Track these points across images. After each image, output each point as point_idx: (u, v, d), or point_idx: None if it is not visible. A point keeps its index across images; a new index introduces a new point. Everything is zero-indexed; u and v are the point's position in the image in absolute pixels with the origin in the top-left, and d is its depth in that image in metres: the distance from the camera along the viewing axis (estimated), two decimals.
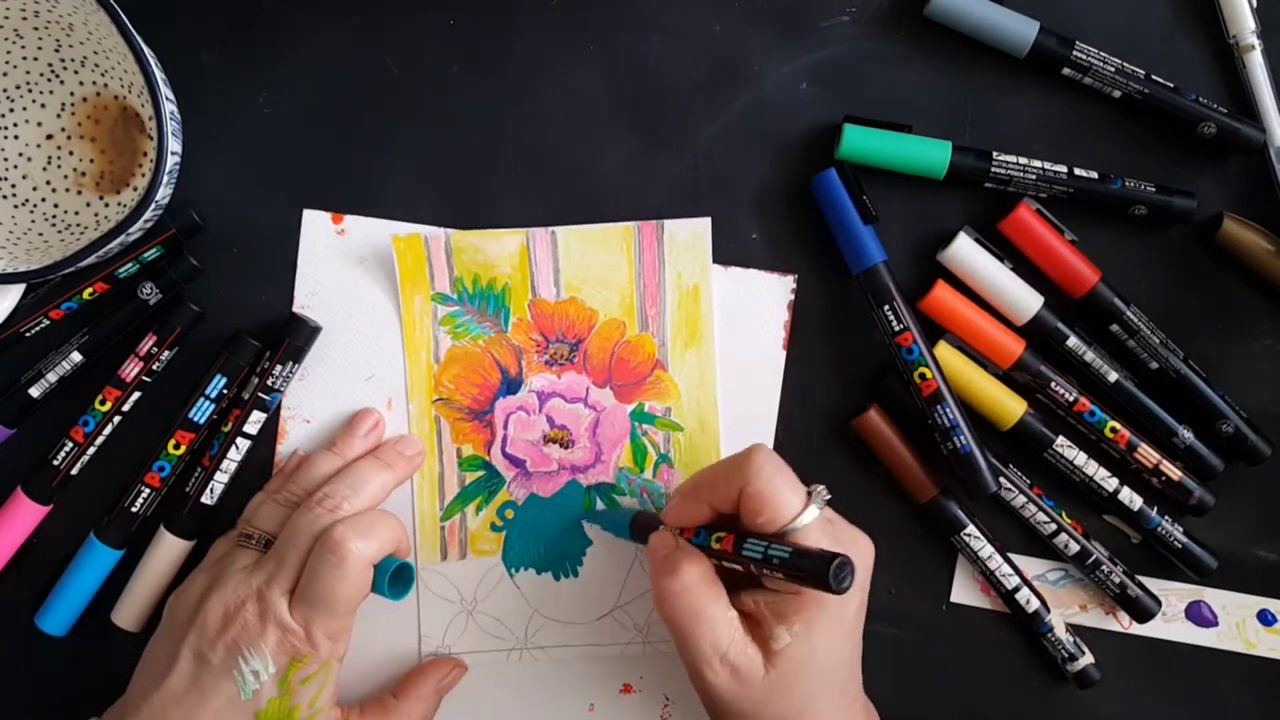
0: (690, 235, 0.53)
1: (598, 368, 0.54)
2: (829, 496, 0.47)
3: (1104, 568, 0.54)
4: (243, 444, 0.52)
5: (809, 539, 0.45)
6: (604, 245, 0.53)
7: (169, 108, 0.47)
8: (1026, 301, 0.53)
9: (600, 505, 0.54)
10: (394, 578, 0.48)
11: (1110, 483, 0.54)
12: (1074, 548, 0.54)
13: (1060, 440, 0.54)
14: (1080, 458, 0.54)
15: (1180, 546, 0.54)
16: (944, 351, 0.53)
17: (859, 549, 0.47)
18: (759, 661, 0.45)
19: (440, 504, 0.54)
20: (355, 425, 0.53)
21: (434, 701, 0.53)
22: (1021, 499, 0.54)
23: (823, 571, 0.41)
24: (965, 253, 0.53)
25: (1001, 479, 0.53)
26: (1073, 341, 0.53)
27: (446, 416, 0.54)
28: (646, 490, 0.54)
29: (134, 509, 0.52)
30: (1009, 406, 0.53)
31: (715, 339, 0.54)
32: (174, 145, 0.47)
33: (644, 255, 0.53)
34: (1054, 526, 0.54)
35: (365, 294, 0.53)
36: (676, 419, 0.54)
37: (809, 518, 0.45)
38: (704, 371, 0.54)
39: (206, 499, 0.52)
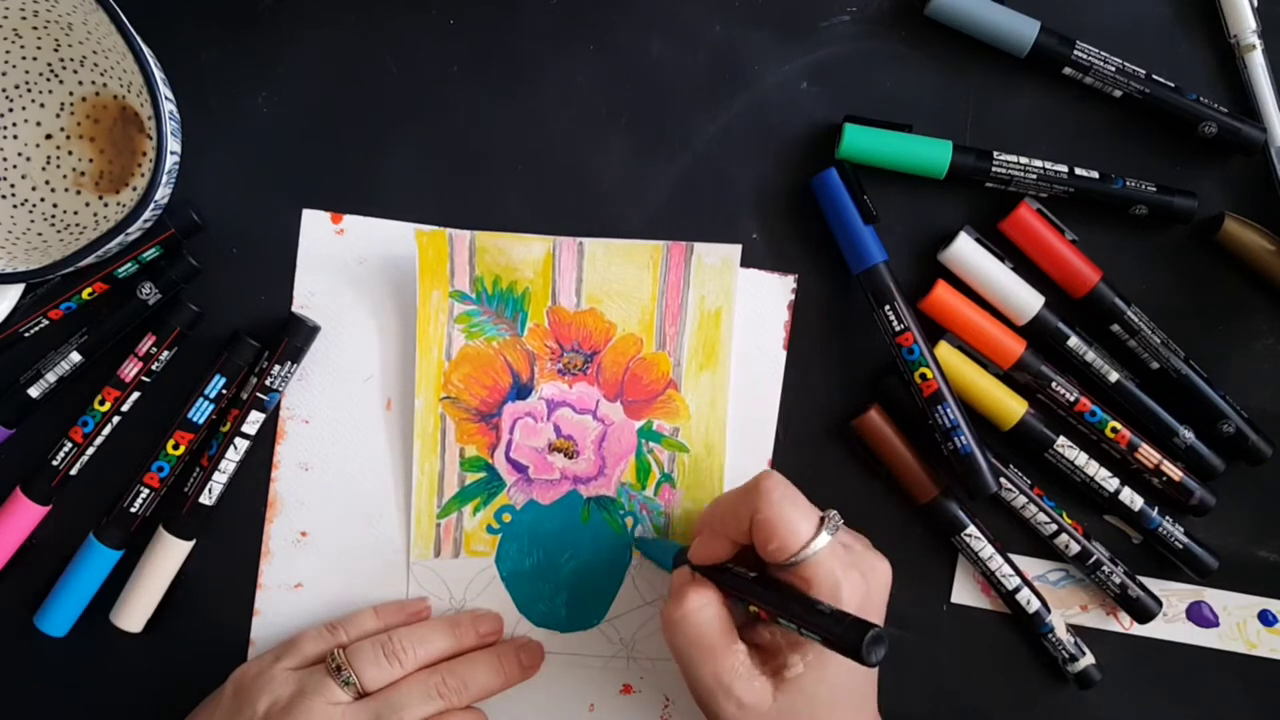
0: (720, 260, 0.53)
1: (610, 381, 0.54)
2: (841, 522, 0.46)
3: (1105, 568, 0.54)
4: (241, 444, 0.52)
5: (822, 566, 0.45)
6: (630, 260, 0.53)
7: (168, 107, 0.46)
8: (1027, 302, 0.53)
9: (599, 518, 0.55)
10: None
11: (1111, 483, 0.54)
12: (1075, 548, 0.54)
13: (1061, 440, 0.53)
14: (1081, 458, 0.54)
15: (1181, 547, 0.54)
16: (944, 351, 0.53)
17: (877, 575, 0.47)
18: (766, 692, 0.45)
19: (438, 501, 0.54)
20: (482, 621, 0.53)
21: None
22: (1022, 499, 0.54)
23: (856, 644, 0.41)
24: (966, 253, 0.52)
25: (1002, 479, 0.53)
26: (1073, 342, 0.53)
27: (452, 415, 0.53)
28: (646, 507, 0.54)
29: (133, 509, 0.52)
30: (1010, 406, 0.53)
31: (732, 366, 0.54)
32: (173, 145, 0.47)
33: (670, 275, 0.53)
34: (1055, 527, 0.54)
35: (365, 294, 0.53)
36: (684, 440, 0.54)
37: (820, 544, 0.45)
38: (716, 395, 0.54)
39: (205, 499, 0.52)
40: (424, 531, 0.54)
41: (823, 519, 0.46)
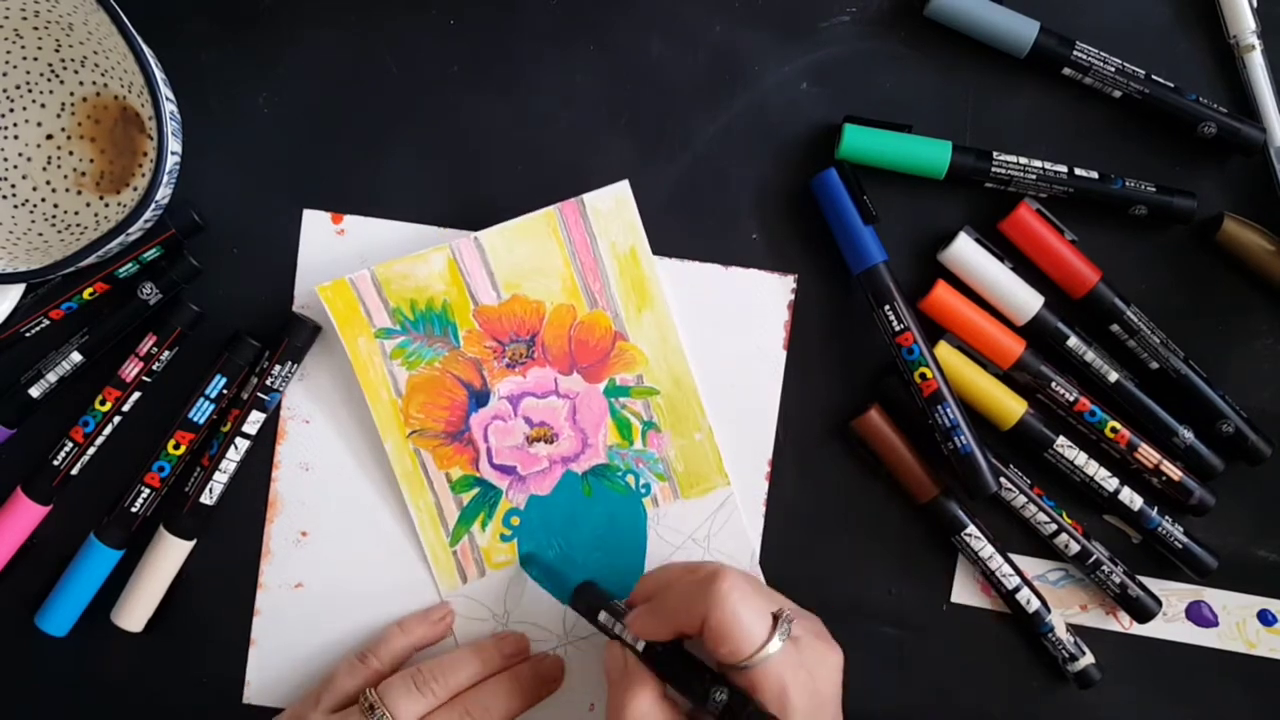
0: (613, 202, 0.52)
1: (559, 356, 0.54)
2: (792, 618, 0.46)
3: (1104, 568, 0.54)
4: (241, 444, 0.52)
5: (770, 673, 0.44)
6: (530, 236, 0.53)
7: (169, 108, 0.47)
8: (1027, 302, 0.53)
9: (599, 492, 0.55)
10: None
11: (1110, 483, 0.54)
12: (1074, 548, 0.54)
13: (1060, 440, 0.54)
14: (1080, 458, 0.54)
15: (1181, 546, 0.54)
16: (944, 351, 0.53)
17: (826, 668, 0.47)
18: None
19: (445, 531, 0.54)
20: (505, 641, 0.54)
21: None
22: (1022, 499, 0.54)
23: None
24: (965, 253, 0.53)
25: (1002, 479, 0.53)
26: (1073, 341, 0.53)
27: (425, 446, 0.53)
28: (640, 460, 0.54)
29: (134, 509, 0.52)
30: (1009, 406, 0.53)
31: (666, 295, 0.53)
32: (174, 145, 0.47)
33: (572, 235, 0.53)
34: (1054, 526, 0.54)
35: None
36: (650, 384, 0.54)
37: (771, 649, 0.44)
38: (664, 331, 0.54)
39: (206, 499, 0.52)
40: (443, 565, 0.54)
41: (776, 617, 0.45)
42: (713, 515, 0.55)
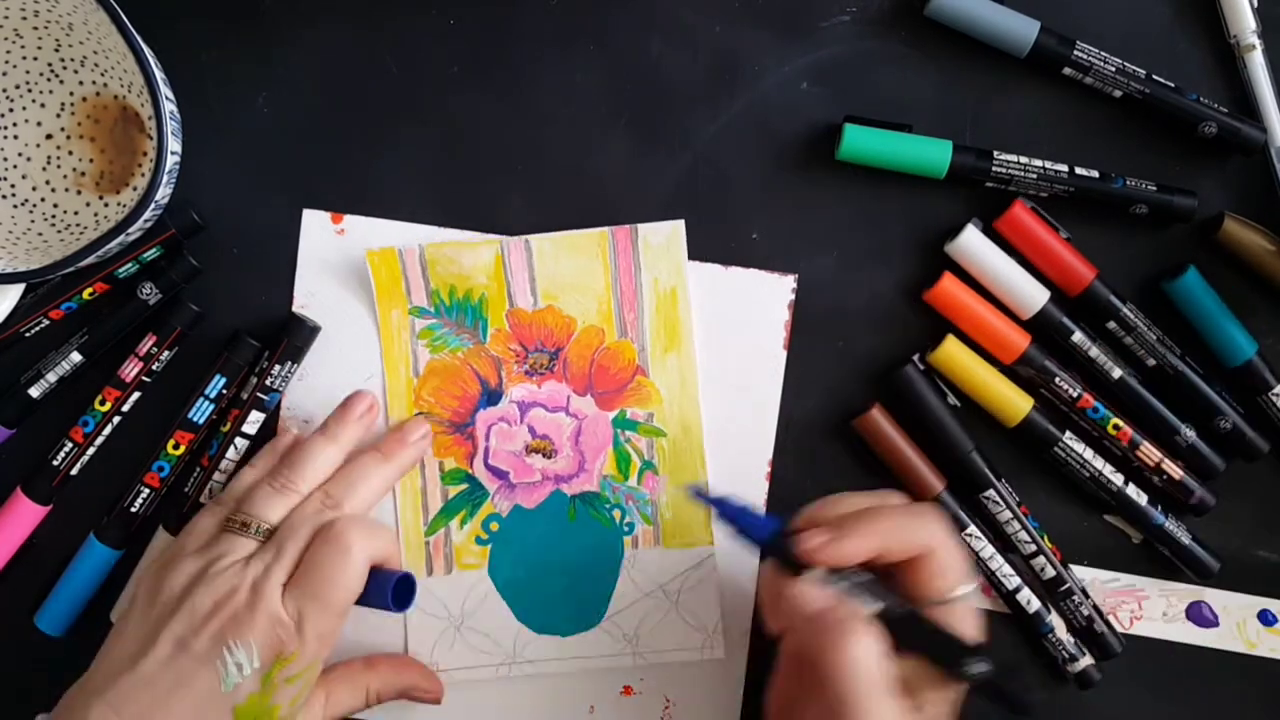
0: (665, 238, 0.53)
1: (578, 375, 0.54)
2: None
3: (1075, 598, 0.54)
4: (241, 444, 0.52)
5: (958, 609, 0.45)
6: (579, 252, 0.53)
7: (169, 107, 0.47)
8: (1032, 295, 0.53)
9: (591, 514, 0.54)
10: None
11: (1117, 478, 0.54)
12: (1050, 572, 0.54)
13: (1067, 435, 0.53)
14: (1088, 453, 0.54)
15: (1184, 547, 0.54)
16: (951, 347, 0.53)
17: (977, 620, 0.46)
18: None
19: (424, 519, 0.54)
20: (349, 408, 0.52)
21: (393, 695, 0.52)
22: (1007, 514, 0.53)
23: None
24: (973, 244, 0.52)
25: (991, 490, 0.53)
26: (1077, 337, 0.53)
27: None
28: (631, 497, 0.54)
29: (133, 509, 0.52)
30: (1015, 403, 0.53)
31: (695, 342, 0.54)
32: (174, 145, 0.47)
33: (619, 260, 0.53)
34: (1034, 547, 0.54)
35: (365, 294, 0.53)
36: (659, 424, 0.54)
37: (969, 588, 0.45)
38: (685, 375, 0.54)
39: (205, 499, 0.52)
40: (414, 551, 0.54)
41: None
42: (688, 572, 0.54)
